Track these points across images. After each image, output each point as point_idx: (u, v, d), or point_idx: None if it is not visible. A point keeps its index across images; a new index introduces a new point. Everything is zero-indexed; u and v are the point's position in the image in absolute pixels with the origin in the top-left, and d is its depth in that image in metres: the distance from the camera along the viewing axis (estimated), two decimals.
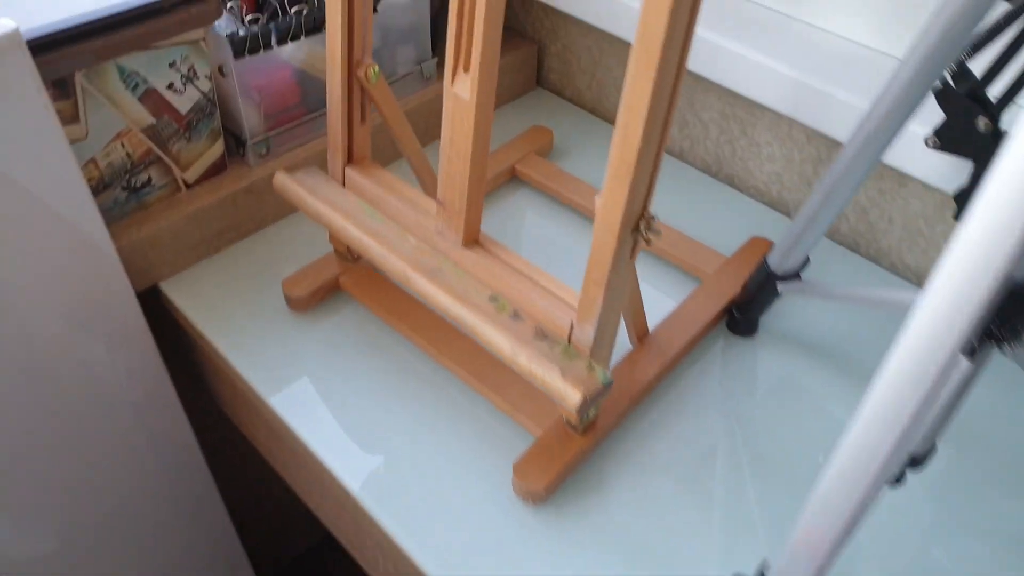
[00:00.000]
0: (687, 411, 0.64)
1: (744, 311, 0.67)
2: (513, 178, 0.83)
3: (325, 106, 0.77)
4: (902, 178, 0.71)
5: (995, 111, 0.51)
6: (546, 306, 0.55)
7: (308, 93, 0.76)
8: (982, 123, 0.50)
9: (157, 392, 0.74)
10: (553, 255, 0.75)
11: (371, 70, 0.60)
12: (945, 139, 0.61)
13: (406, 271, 0.58)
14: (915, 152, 0.65)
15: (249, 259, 0.74)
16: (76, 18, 0.57)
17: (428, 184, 0.69)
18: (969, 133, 0.55)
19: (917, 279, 0.75)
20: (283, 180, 0.65)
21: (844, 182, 0.53)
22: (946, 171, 0.65)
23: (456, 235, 0.58)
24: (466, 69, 0.52)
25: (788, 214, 0.81)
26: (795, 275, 0.62)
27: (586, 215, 0.78)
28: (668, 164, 0.86)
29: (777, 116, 0.76)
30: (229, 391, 0.74)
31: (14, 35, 0.51)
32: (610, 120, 0.91)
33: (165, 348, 0.74)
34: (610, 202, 0.47)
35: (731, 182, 0.84)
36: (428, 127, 0.86)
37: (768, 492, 0.58)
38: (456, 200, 0.56)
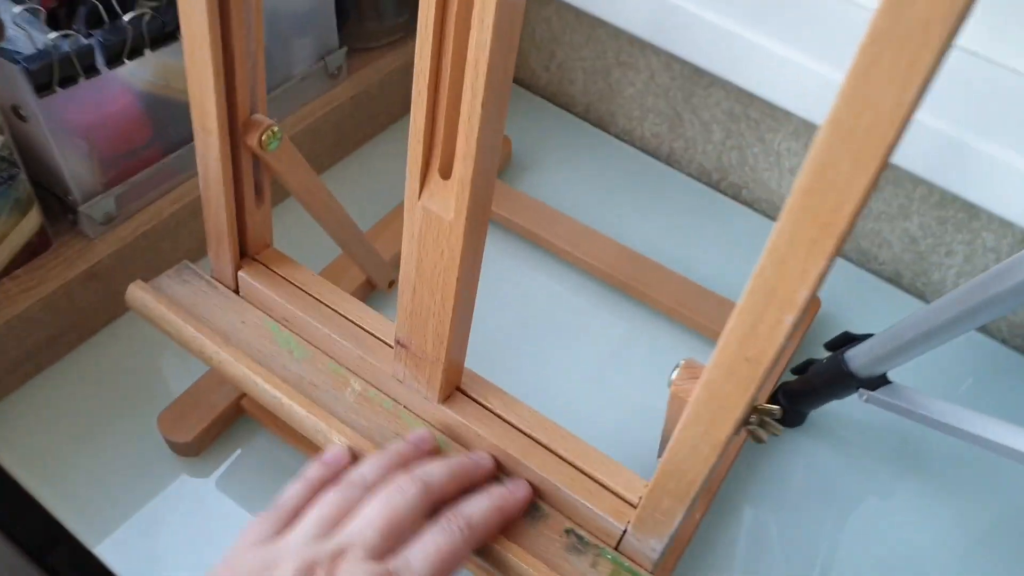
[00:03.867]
0: (718, 531, 0.48)
1: (796, 402, 0.51)
2: None
3: (191, 138, 0.53)
4: (973, 210, 0.55)
5: None
6: (579, 499, 0.37)
7: (164, 124, 0.52)
8: None
9: None
10: (531, 323, 0.57)
11: (267, 135, 0.38)
12: None
13: (353, 450, 0.38)
14: (996, 183, 0.50)
15: (99, 372, 0.51)
16: None
17: (372, 275, 0.48)
18: None
19: None
20: (141, 298, 0.42)
21: (1019, 291, 0.36)
22: None
23: (429, 388, 0.38)
24: (445, 174, 0.31)
25: None
26: (883, 378, 0.46)
27: (571, 262, 0.59)
28: (650, 168, 0.67)
29: (807, 124, 0.59)
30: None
31: None
32: (576, 112, 0.71)
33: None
34: (713, 403, 0.29)
35: (736, 194, 0.66)
36: (341, 139, 0.64)
37: None
38: (429, 346, 0.36)
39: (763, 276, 0.25)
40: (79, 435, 0.49)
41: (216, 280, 0.44)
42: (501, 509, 0.36)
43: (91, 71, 0.45)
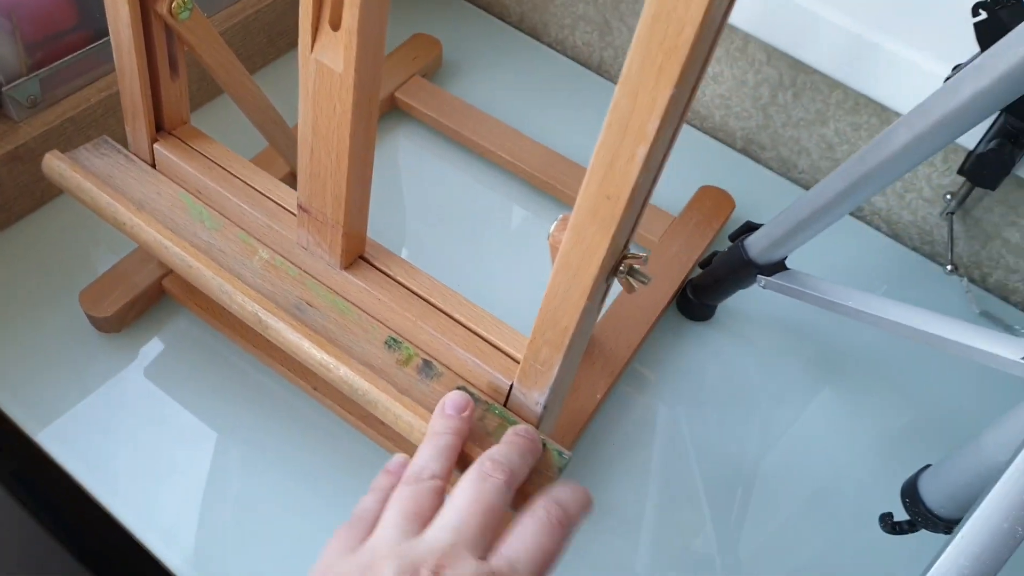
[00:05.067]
0: (630, 432, 0.51)
1: (703, 295, 0.54)
2: (393, 109, 0.63)
3: None
4: (885, 114, 0.57)
5: None
6: (471, 357, 0.39)
7: (90, 9, 0.52)
8: None
9: None
10: (453, 219, 0.58)
11: (177, 2, 0.39)
12: None
13: (258, 314, 0.39)
14: (905, 85, 0.52)
15: (27, 254, 0.52)
16: None
17: (295, 164, 0.49)
18: None
19: (887, 225, 0.63)
20: (57, 167, 0.43)
21: (892, 165, 0.38)
22: None
23: (332, 254, 0.40)
24: (335, 25, 0.32)
25: (733, 144, 0.66)
26: (780, 264, 0.48)
27: (496, 162, 0.61)
28: (581, 77, 0.68)
29: (729, 28, 0.60)
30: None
31: None
32: (510, 21, 0.72)
33: None
34: (580, 245, 0.31)
35: None
36: (274, 39, 0.64)
37: (726, 526, 0.47)
38: (329, 209, 0.38)
39: (617, 109, 0.27)
40: (5, 319, 0.50)
41: (133, 154, 0.45)
42: (587, 496, 0.34)
43: None
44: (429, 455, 0.34)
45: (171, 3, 0.39)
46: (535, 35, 0.70)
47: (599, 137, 0.28)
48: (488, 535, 0.30)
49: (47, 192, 0.54)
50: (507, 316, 0.40)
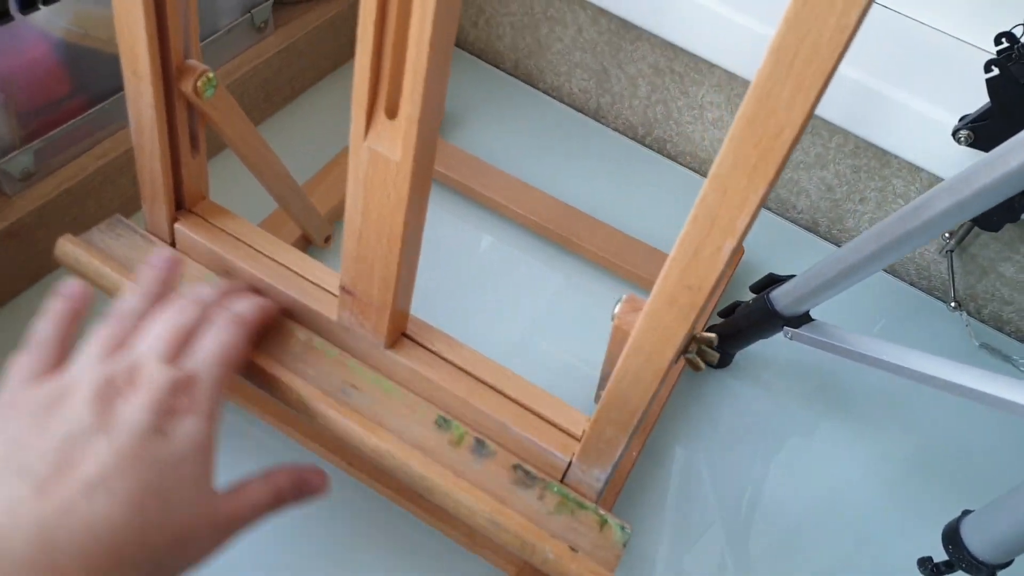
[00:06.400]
0: (651, 478, 0.50)
1: (723, 343, 0.54)
2: None
3: (113, 91, 0.52)
4: (884, 157, 0.59)
5: None
6: (524, 433, 0.38)
7: (84, 75, 0.50)
8: None
9: None
10: (462, 271, 0.57)
11: (203, 80, 0.37)
12: (985, 135, 0.48)
13: (305, 401, 0.38)
14: (907, 132, 0.53)
15: (24, 333, 0.50)
16: None
17: (308, 230, 0.48)
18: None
19: (889, 267, 0.65)
20: (72, 252, 0.41)
21: (929, 228, 0.39)
22: (941, 153, 0.53)
23: (376, 334, 0.39)
24: (391, 114, 0.31)
25: None
26: (805, 316, 0.48)
27: (501, 213, 0.60)
28: (578, 123, 0.69)
29: (730, 75, 0.61)
30: None
31: None
32: (505, 68, 0.71)
33: None
34: (655, 332, 0.31)
35: (661, 148, 0.68)
36: (269, 95, 0.62)
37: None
38: (375, 292, 0.37)
39: (705, 203, 0.27)
40: None
41: (151, 234, 0.43)
42: (262, 304, 0.38)
43: (3, 17, 0.43)
44: (138, 294, 0.36)
45: (196, 82, 0.38)
46: (530, 82, 0.70)
47: (683, 229, 0.28)
48: (177, 347, 0.34)
49: (43, 267, 0.52)
50: (535, 375, 0.40)
